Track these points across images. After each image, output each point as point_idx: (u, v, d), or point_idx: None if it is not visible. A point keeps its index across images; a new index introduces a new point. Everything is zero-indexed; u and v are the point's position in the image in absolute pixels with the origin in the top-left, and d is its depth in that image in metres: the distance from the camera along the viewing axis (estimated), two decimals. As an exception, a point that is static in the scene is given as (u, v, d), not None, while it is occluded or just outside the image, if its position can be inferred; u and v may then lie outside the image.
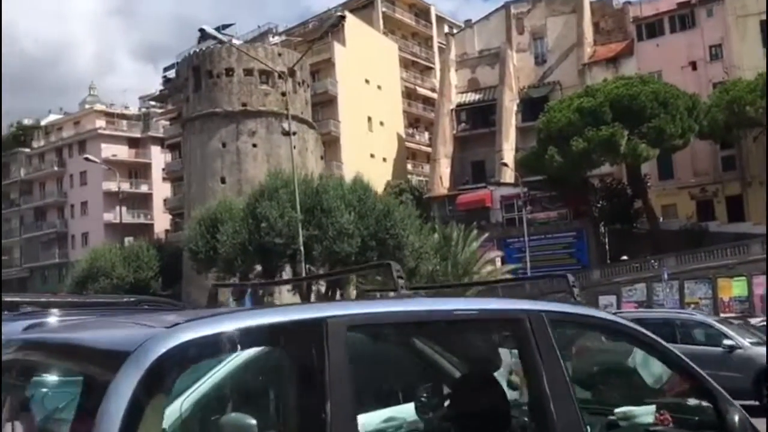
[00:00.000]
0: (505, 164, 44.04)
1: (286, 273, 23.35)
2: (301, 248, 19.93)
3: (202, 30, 18.91)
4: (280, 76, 29.61)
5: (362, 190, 22.01)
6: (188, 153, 34.56)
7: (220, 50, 33.34)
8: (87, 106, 70.35)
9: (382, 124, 55.92)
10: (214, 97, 32.95)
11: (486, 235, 31.11)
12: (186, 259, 31.03)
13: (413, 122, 64.80)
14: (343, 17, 17.95)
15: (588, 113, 36.71)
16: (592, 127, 36.25)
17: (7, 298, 7.91)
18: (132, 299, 8.83)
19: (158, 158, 64.39)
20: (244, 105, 32.81)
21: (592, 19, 53.50)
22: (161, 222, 62.39)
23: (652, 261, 37.95)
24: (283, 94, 33.60)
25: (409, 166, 61.24)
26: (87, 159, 41.49)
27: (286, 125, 34.38)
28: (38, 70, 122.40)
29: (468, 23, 59.07)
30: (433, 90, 66.93)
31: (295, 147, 35.29)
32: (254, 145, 32.64)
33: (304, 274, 20.24)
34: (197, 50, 35.46)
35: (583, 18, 51.87)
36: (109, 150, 61.15)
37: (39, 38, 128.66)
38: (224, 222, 22.83)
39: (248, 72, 33.05)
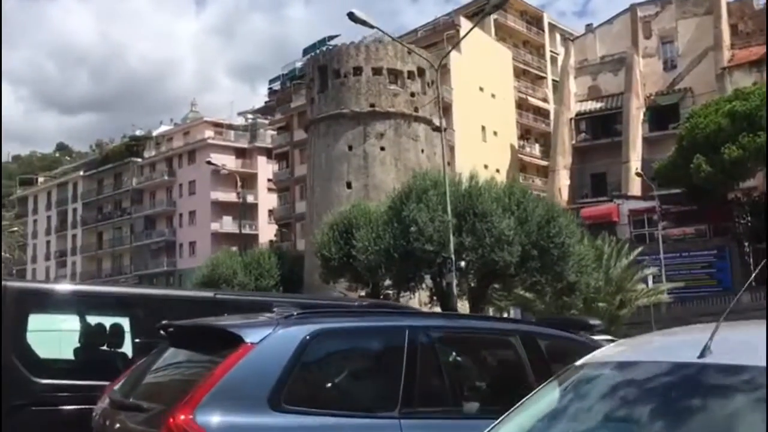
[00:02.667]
0: (640, 174, 40.63)
1: (426, 284, 21.29)
2: (452, 256, 17.81)
3: (351, 14, 17.21)
4: (409, 76, 27.79)
5: (520, 193, 19.73)
6: (312, 156, 33.23)
7: (348, 48, 31.93)
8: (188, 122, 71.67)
9: (495, 134, 53.53)
10: (341, 98, 31.50)
11: (640, 248, 28.13)
12: (308, 267, 29.55)
13: (524, 133, 62.08)
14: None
15: (742, 118, 33.01)
16: (747, 133, 32.53)
17: (256, 297, 6.00)
18: (364, 303, 7.17)
19: (264, 169, 64.32)
20: (372, 106, 31.19)
21: (729, 21, 49.33)
22: (265, 232, 62.04)
23: (816, 284, 33.60)
24: (413, 94, 31.90)
25: (520, 179, 58.43)
26: (209, 163, 41.43)
27: (413, 128, 32.80)
28: (145, 88, 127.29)
29: (589, 28, 55.89)
30: (544, 100, 64.11)
31: (423, 151, 33.67)
32: (382, 148, 30.93)
33: (455, 285, 18.10)
34: (324, 49, 34.21)
35: (720, 19, 47.82)
36: (217, 160, 61.17)
37: (145, 57, 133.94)
38: (359, 227, 21.02)
39: (376, 71, 31.45)
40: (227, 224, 61.98)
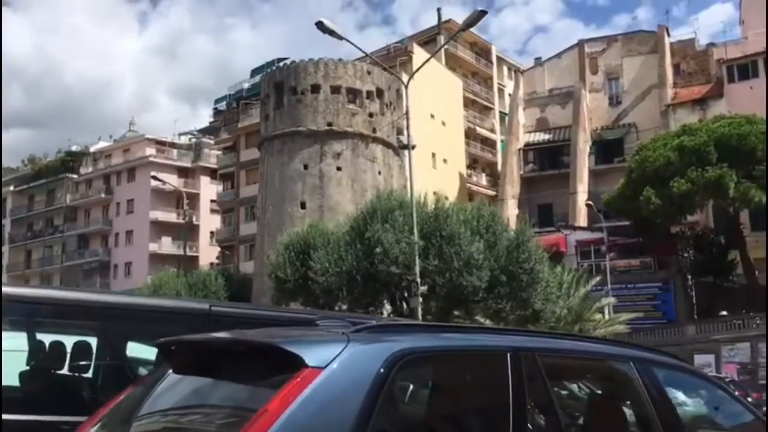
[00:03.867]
0: (590, 205, 40.99)
1: (386, 309, 20.39)
2: (418, 279, 17.04)
3: (319, 23, 16.47)
4: (368, 96, 27.14)
5: (489, 216, 19.17)
6: (265, 175, 32.00)
7: (306, 65, 31.07)
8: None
9: (445, 161, 53.41)
10: (298, 115, 30.51)
11: (598, 278, 28.01)
12: (257, 289, 28.27)
13: (472, 162, 62.35)
14: (485, 12, 15.41)
15: (691, 153, 33.67)
16: (695, 168, 33.15)
17: (263, 312, 4.98)
18: (381, 320, 6.21)
19: (207, 189, 62.50)
20: (329, 125, 30.30)
21: (672, 60, 50.93)
22: (206, 254, 60.02)
23: (757, 318, 34.32)
24: (371, 115, 31.26)
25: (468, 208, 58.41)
26: (154, 178, 39.54)
27: (371, 149, 32.13)
28: (80, 106, 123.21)
29: (538, 61, 56.83)
30: (491, 130, 64.70)
31: (380, 173, 32.96)
32: (339, 169, 30.01)
33: (420, 310, 17.30)
34: (282, 65, 33.23)
35: (664, 58, 49.33)
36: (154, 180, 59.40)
37: (83, 75, 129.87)
38: (317, 248, 20.04)
39: (335, 90, 30.64)
40: (166, 245, 59.79)
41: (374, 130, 31.68)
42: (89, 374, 4.48)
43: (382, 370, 2.33)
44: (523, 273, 17.84)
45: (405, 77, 48.59)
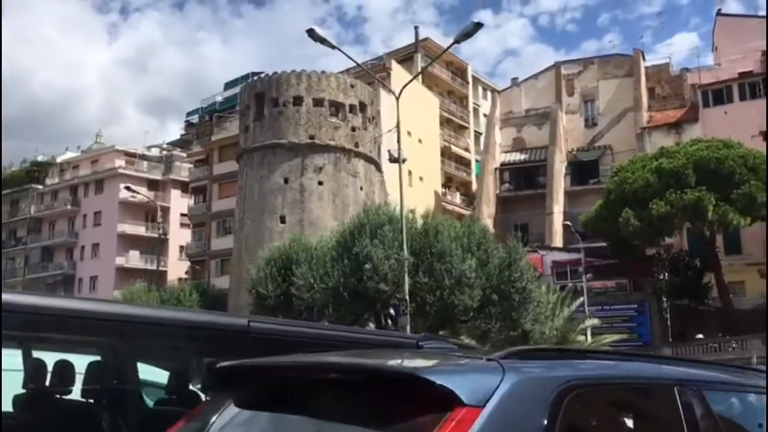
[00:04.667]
0: (568, 225, 40.92)
1: (370, 327, 19.74)
2: (407, 297, 16.47)
3: (310, 30, 15.97)
4: (351, 110, 26.71)
5: (480, 233, 18.72)
6: (244, 188, 31.16)
7: (288, 76, 30.46)
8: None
9: (421, 179, 53.07)
10: (279, 128, 29.82)
11: (581, 299, 27.74)
12: (232, 305, 27.41)
13: (447, 181, 62.19)
14: (480, 24, 15.09)
15: (669, 175, 33.81)
16: (674, 190, 33.27)
17: (309, 329, 4.43)
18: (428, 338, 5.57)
19: (177, 202, 61.17)
20: (311, 138, 29.67)
21: (646, 84, 51.58)
22: (175, 269, 58.56)
23: (733, 342, 34.44)
24: (354, 129, 30.76)
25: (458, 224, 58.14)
26: (128, 188, 38.37)
27: (353, 163, 31.59)
28: (47, 116, 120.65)
29: (515, 81, 57.07)
30: (466, 149, 64.75)
31: (362, 188, 32.39)
32: (320, 183, 29.36)
33: (408, 329, 16.69)
34: (263, 76, 32.62)
35: (639, 82, 49.91)
36: (127, 191, 57.95)
37: (50, 84, 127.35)
38: (300, 263, 19.36)
39: (317, 102, 30.07)
40: (134, 259, 58.29)
41: (357, 145, 31.18)
42: (99, 400, 3.77)
43: (552, 407, 1.82)
44: (515, 292, 17.41)
45: (383, 93, 48.41)
